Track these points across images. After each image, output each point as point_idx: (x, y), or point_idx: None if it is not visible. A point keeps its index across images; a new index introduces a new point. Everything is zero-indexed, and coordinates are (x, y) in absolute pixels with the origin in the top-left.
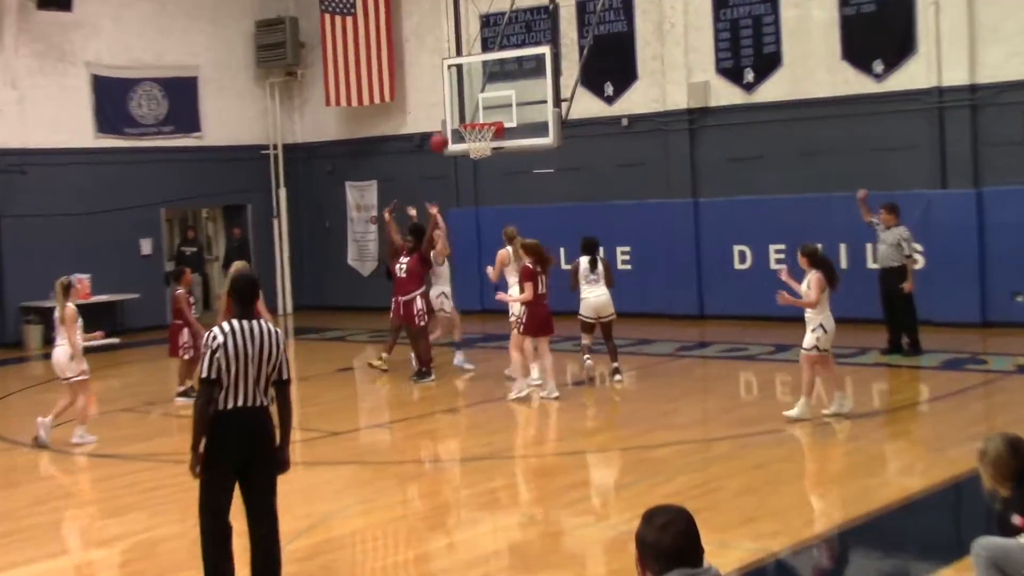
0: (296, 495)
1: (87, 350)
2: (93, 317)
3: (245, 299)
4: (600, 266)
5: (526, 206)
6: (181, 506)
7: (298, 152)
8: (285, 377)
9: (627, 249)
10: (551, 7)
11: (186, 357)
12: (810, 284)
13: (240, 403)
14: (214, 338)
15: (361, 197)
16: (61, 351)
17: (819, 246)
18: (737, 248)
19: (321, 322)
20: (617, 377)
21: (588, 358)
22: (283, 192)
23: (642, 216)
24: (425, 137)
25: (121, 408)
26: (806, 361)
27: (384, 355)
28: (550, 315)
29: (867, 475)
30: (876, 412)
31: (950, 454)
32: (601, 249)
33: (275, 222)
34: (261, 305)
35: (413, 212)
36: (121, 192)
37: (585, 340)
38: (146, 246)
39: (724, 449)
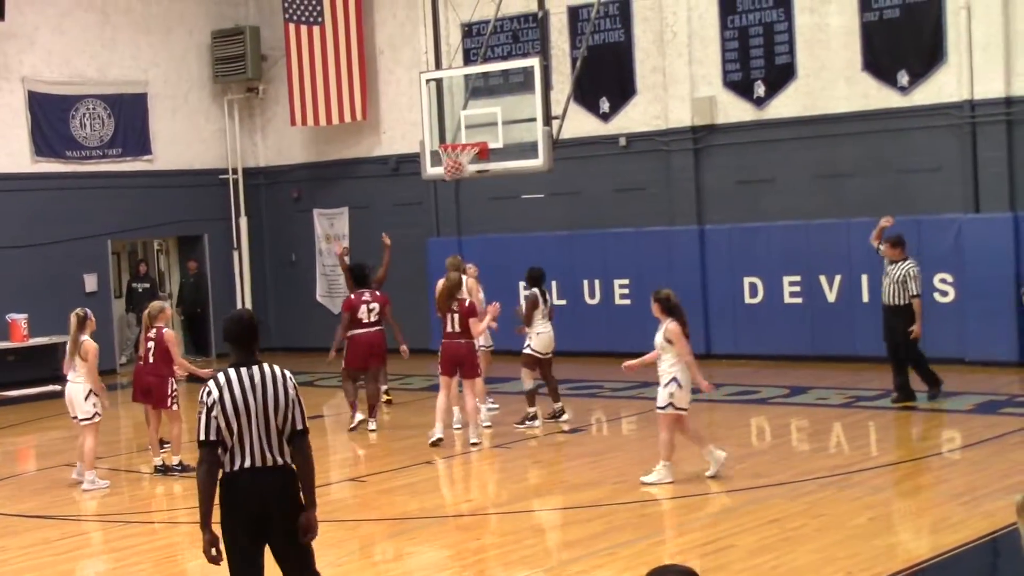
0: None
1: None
2: (30, 361)
3: (241, 343)
4: (549, 299)
5: (513, 235)
6: (131, 573)
7: (260, 177)
8: (300, 427)
9: (625, 282)
10: (540, 15)
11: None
12: (670, 336)
13: (248, 463)
14: (208, 393)
15: (331, 226)
16: (79, 388)
17: (670, 291)
18: (747, 280)
19: (287, 365)
20: (565, 417)
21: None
22: (244, 221)
23: (642, 245)
24: (401, 159)
25: (64, 463)
26: (663, 421)
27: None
28: (455, 355)
29: (894, 531)
30: (902, 461)
31: (985, 507)
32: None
33: (235, 255)
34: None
35: (388, 242)
36: (62, 222)
37: (529, 382)
38: (91, 282)
39: (735, 503)
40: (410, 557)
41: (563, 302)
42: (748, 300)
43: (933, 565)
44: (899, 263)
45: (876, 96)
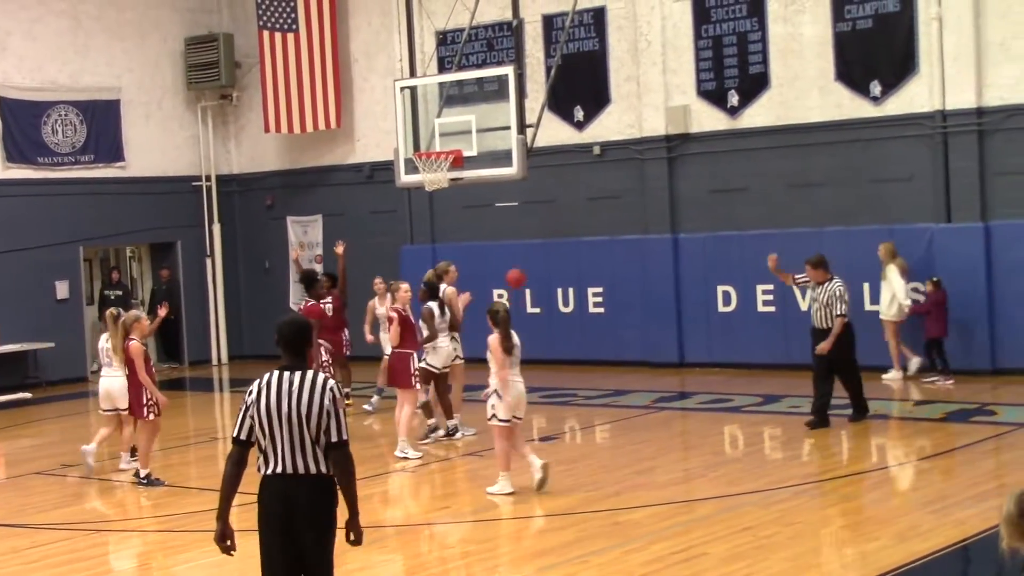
0: (231, 566)
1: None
2: (1, 368)
3: (290, 347)
4: (447, 311)
5: (488, 243)
6: None
7: (234, 184)
8: (335, 439)
9: (599, 290)
10: (515, 23)
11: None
12: (489, 348)
13: (279, 469)
14: (249, 393)
15: (304, 234)
16: (119, 382)
17: (502, 307)
18: (721, 289)
19: (259, 373)
20: (459, 435)
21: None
22: (217, 228)
23: (616, 254)
24: (375, 167)
25: (33, 471)
26: (493, 433)
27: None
28: (387, 366)
29: (866, 539)
30: (874, 469)
31: (956, 515)
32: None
33: (208, 262)
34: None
35: (340, 249)
36: (33, 229)
37: (424, 396)
38: (62, 289)
39: (708, 511)
40: (383, 565)
41: (537, 310)
42: (722, 308)
43: (904, 573)
44: (825, 284)
45: (849, 106)
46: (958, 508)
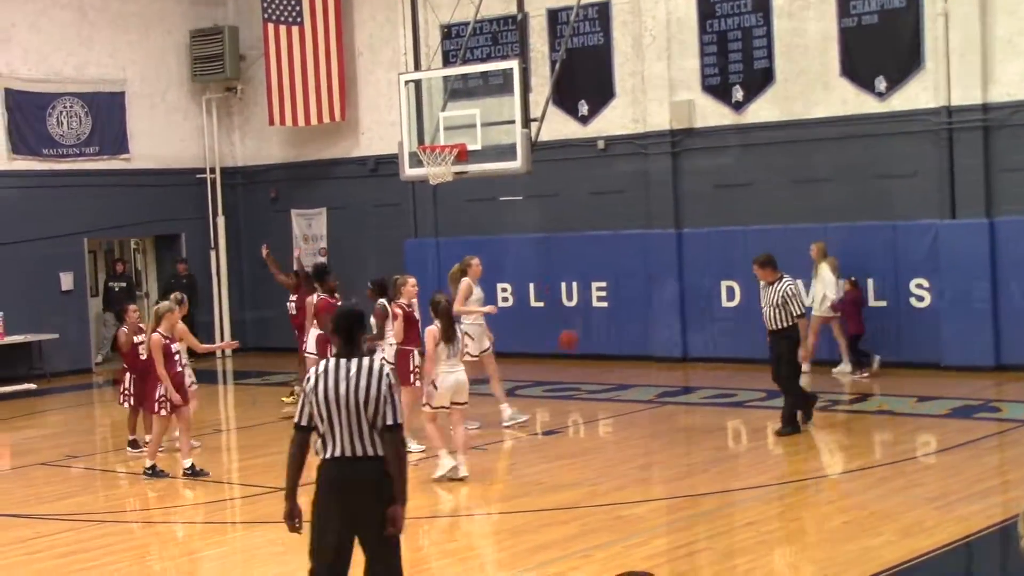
0: (236, 558)
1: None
2: (6, 359)
3: (345, 334)
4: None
5: (491, 237)
6: (105, 573)
7: (238, 177)
8: (390, 422)
9: (603, 284)
10: (520, 17)
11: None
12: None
13: (337, 452)
14: (308, 379)
15: (308, 227)
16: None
17: (444, 299)
18: (724, 284)
19: (264, 365)
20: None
21: None
22: (221, 221)
23: (620, 248)
24: (380, 161)
25: (38, 462)
26: (425, 418)
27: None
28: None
29: (868, 535)
30: (877, 465)
31: (959, 512)
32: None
33: (212, 254)
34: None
35: (297, 253)
36: (38, 220)
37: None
38: (67, 280)
39: (710, 506)
40: None
41: (540, 304)
42: (725, 303)
43: (907, 569)
44: (774, 284)
45: (854, 101)
46: (962, 504)
